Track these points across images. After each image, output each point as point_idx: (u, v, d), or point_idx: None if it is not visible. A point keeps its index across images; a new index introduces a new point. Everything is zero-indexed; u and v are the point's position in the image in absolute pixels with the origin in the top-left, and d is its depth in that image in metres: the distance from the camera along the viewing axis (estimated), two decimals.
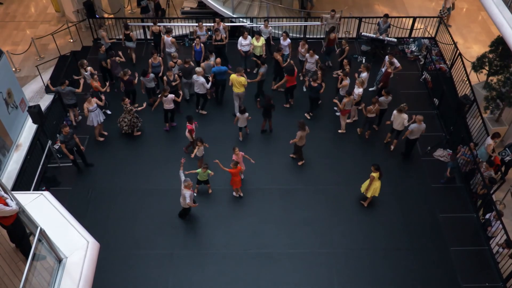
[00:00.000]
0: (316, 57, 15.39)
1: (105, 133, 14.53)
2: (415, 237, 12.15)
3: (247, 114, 13.74)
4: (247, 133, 14.55)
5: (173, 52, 15.36)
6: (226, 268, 11.46)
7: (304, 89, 15.86)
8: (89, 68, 14.83)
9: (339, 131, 14.76)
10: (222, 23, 16.54)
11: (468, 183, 13.33)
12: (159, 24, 17.09)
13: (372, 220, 12.48)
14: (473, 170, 13.19)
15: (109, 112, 15.23)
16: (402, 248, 11.93)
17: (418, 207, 12.83)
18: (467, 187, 13.29)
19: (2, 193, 7.07)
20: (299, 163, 13.73)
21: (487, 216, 12.26)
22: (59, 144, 13.21)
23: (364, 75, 14.56)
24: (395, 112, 13.47)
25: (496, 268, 11.54)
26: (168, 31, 16.08)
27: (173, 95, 13.94)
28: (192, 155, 12.80)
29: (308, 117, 15.08)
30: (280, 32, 18.22)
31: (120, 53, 15.87)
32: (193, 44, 15.89)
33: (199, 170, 12.23)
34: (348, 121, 14.93)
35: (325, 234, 12.18)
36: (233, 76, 14.17)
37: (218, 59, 14.76)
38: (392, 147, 14.21)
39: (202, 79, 14.14)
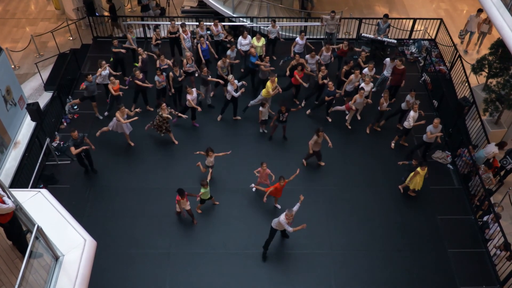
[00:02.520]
0: (317, 57, 15.39)
1: (132, 144, 14.24)
2: (413, 239, 12.15)
3: (267, 105, 13.85)
4: (264, 131, 14.66)
5: (187, 53, 15.11)
6: (224, 268, 11.45)
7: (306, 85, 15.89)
8: (107, 65, 14.70)
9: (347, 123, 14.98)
10: (219, 23, 16.52)
11: (466, 185, 13.33)
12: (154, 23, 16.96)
13: (370, 222, 12.48)
14: (471, 172, 13.20)
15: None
16: (400, 249, 11.94)
17: (417, 208, 12.84)
18: (465, 189, 13.29)
19: (0, 190, 7.06)
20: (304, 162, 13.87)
21: (485, 219, 12.27)
22: (64, 146, 12.87)
23: (366, 70, 14.82)
24: (412, 113, 13.43)
25: (493, 271, 11.56)
26: (183, 25, 16.06)
27: (195, 95, 13.95)
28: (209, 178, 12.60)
29: (330, 120, 15.21)
30: (284, 33, 18.22)
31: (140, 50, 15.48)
32: (198, 44, 15.81)
33: (202, 190, 11.79)
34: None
35: (323, 235, 12.17)
36: (269, 84, 14.25)
37: (252, 49, 15.05)
38: (393, 143, 14.35)
39: (229, 87, 14.02)
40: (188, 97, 13.81)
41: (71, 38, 19.50)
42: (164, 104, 13.48)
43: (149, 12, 19.08)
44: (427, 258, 11.78)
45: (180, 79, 14.52)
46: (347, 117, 14.89)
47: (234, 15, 18.29)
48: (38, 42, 18.74)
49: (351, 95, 14.67)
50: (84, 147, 12.57)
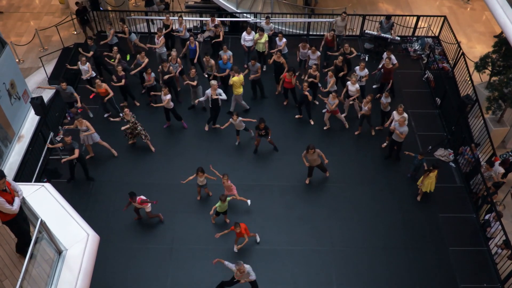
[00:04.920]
0: (318, 54, 15.33)
1: (92, 154, 13.94)
2: (414, 237, 12.17)
3: (240, 118, 13.40)
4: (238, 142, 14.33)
5: (173, 52, 14.91)
6: None
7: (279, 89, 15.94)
8: (87, 64, 14.71)
9: (324, 127, 14.80)
10: (216, 19, 16.50)
11: (468, 183, 13.34)
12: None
13: (372, 219, 12.50)
14: (473, 171, 13.19)
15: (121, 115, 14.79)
16: (401, 247, 11.96)
17: (418, 206, 12.84)
18: (467, 187, 13.30)
19: (18, 190, 7.09)
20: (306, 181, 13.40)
21: (486, 217, 12.28)
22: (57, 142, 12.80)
23: (364, 72, 14.58)
24: (394, 112, 13.37)
25: (494, 269, 11.57)
26: (159, 29, 15.87)
27: (170, 96, 13.67)
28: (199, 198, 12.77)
29: (298, 117, 15.01)
30: (287, 29, 18.23)
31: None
32: (188, 42, 15.73)
33: (218, 204, 11.62)
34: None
35: (325, 232, 12.20)
36: (236, 78, 14.09)
37: (225, 56, 14.68)
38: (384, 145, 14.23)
39: (219, 91, 13.71)
40: (163, 96, 13.61)
41: (75, 33, 19.54)
42: (127, 109, 13.13)
43: (153, 7, 19.08)
44: (428, 256, 11.80)
45: (167, 76, 14.45)
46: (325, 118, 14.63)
47: (238, 11, 18.27)
48: (43, 36, 18.79)
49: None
50: (72, 157, 12.41)
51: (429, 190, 12.51)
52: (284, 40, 15.77)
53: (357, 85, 14.12)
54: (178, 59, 14.94)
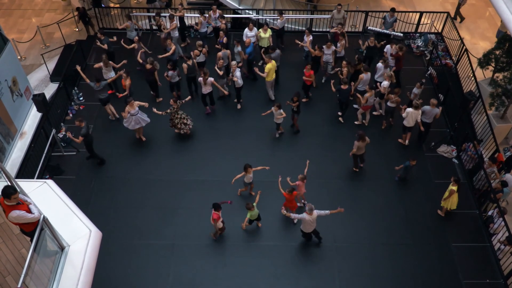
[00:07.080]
0: (333, 48, 15.37)
1: (143, 139, 14.19)
2: (416, 233, 12.15)
3: (281, 110, 13.46)
4: (278, 134, 14.42)
5: (199, 41, 15.21)
6: (227, 259, 11.50)
7: (323, 80, 16.08)
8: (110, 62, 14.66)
9: (356, 122, 14.87)
10: (218, 10, 16.70)
11: (471, 180, 13.30)
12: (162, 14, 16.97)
13: (374, 215, 12.48)
14: (476, 167, 13.16)
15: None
16: (404, 243, 11.95)
17: (421, 202, 12.83)
18: (470, 184, 13.26)
19: (27, 198, 7.09)
20: (355, 169, 13.56)
21: (489, 213, 12.25)
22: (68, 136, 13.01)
23: (379, 65, 14.73)
24: (410, 109, 13.34)
25: (497, 265, 11.55)
26: (170, 17, 16.20)
27: (212, 79, 14.01)
28: (239, 193, 12.78)
29: (342, 121, 14.92)
30: (290, 26, 18.22)
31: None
32: (218, 39, 15.86)
33: (248, 214, 11.49)
34: (375, 113, 15.08)
35: (327, 228, 12.18)
36: (270, 65, 14.34)
37: (248, 39, 15.35)
38: (407, 142, 14.19)
39: (237, 73, 14.25)
40: (211, 79, 13.95)
41: (77, 29, 19.52)
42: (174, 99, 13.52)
43: (155, 4, 19.04)
44: (430, 252, 11.79)
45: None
46: (359, 117, 14.74)
47: (240, 7, 18.23)
48: (44, 33, 18.77)
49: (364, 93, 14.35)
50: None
51: (449, 207, 12.18)
52: (311, 37, 15.84)
53: (387, 82, 14.16)
54: (203, 50, 15.22)
